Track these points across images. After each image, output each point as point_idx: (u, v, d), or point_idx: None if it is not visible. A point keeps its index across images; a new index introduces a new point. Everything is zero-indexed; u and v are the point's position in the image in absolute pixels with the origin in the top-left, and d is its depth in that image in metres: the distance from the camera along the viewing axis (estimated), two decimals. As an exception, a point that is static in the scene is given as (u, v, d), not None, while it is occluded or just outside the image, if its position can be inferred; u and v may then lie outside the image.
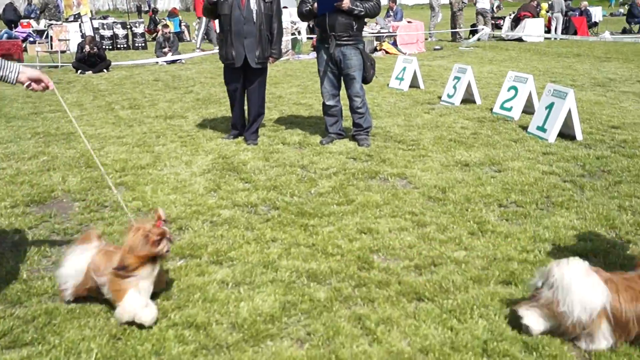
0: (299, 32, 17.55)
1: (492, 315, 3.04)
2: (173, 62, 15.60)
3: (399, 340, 2.85)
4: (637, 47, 16.47)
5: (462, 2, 20.02)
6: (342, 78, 6.60)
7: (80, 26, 20.48)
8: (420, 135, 6.93)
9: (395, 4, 20.48)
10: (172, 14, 25.16)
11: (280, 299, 3.20)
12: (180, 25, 23.79)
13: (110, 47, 21.06)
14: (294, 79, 12.00)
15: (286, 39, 16.62)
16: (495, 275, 3.46)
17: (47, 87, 3.10)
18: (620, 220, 4.22)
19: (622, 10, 27.82)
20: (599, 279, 2.69)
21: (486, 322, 2.98)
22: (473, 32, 20.50)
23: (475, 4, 21.18)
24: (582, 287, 2.65)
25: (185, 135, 7.13)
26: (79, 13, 21.46)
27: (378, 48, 17.11)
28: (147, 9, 46.81)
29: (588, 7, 23.50)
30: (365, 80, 6.60)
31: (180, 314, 3.05)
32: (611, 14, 36.09)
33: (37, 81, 3.06)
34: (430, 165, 5.74)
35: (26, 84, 3.02)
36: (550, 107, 6.52)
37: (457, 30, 20.12)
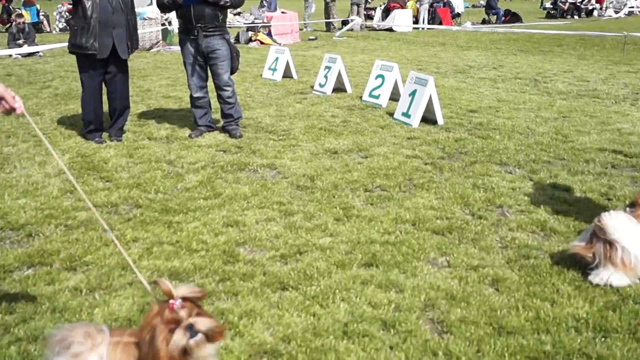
0: (170, 23, 16.99)
1: (354, 297, 3.10)
2: (30, 54, 14.53)
3: (262, 332, 2.83)
4: (494, 36, 17.61)
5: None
6: (209, 69, 6.48)
7: None
8: (292, 125, 6.95)
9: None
10: (29, 2, 23.42)
11: (138, 302, 3.07)
12: (38, 15, 22.23)
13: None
14: (164, 71, 11.61)
15: (156, 29, 16.06)
16: (358, 259, 3.54)
17: (12, 110, 2.14)
18: (473, 197, 4.46)
19: (482, 2, 29.57)
20: None
21: (347, 305, 3.04)
22: (345, 23, 20.94)
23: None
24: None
25: (42, 133, 6.67)
26: None
27: (253, 38, 16.98)
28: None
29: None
30: (232, 70, 6.52)
31: (25, 328, 2.84)
32: (473, 6, 38.27)
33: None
34: (300, 154, 5.77)
35: None
36: (413, 94, 6.78)
37: (331, 20, 20.45)
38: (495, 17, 23.46)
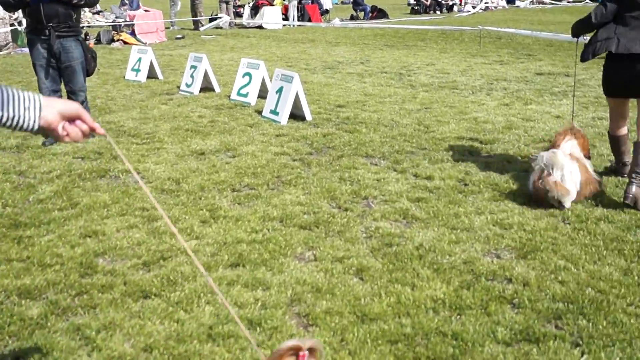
0: (20, 23, 15.83)
1: (219, 300, 3.02)
2: None
3: (122, 344, 2.68)
4: (361, 32, 18.10)
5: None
6: (62, 72, 6.09)
7: None
8: (156, 127, 6.71)
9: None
10: None
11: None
12: None
13: None
14: (14, 75, 10.82)
15: (4, 30, 14.91)
16: (225, 260, 3.46)
17: (92, 132, 1.66)
18: (340, 191, 4.53)
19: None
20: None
21: (213, 307, 2.96)
22: (213, 20, 20.64)
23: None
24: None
25: None
26: None
27: (115, 38, 16.26)
28: None
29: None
30: (88, 72, 6.19)
31: None
32: (342, 2, 39.24)
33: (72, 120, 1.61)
34: (165, 157, 5.57)
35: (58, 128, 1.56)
36: (280, 91, 6.77)
37: (198, 18, 20.06)
38: (362, 13, 24.17)
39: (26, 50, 14.62)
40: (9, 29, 14.97)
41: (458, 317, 2.84)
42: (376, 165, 5.19)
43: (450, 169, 4.96)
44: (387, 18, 23.79)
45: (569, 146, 4.25)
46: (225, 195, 4.57)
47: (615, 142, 4.60)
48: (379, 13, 24.17)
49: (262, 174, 5.00)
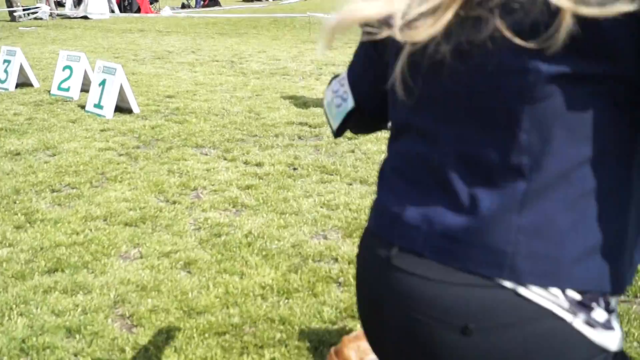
0: None
1: (34, 309, 2.82)
2: None
3: None
4: (192, 20, 17.71)
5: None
6: None
7: None
8: (-36, 128, 6.08)
9: None
10: None
11: None
12: None
13: None
14: None
15: None
16: (41, 266, 3.23)
17: None
18: (168, 183, 4.42)
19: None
20: None
21: (26, 319, 2.75)
22: (31, 11, 19.08)
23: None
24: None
25: None
26: None
27: None
28: None
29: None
30: None
31: None
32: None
33: None
34: (-27, 160, 5.07)
35: None
36: (103, 83, 6.43)
37: (14, 9, 18.40)
38: (194, 1, 23.66)
39: None
40: None
41: (286, 301, 2.89)
42: (206, 155, 5.13)
43: (280, 154, 5.04)
44: (220, 6, 23.53)
45: None
46: (44, 197, 4.26)
47: None
48: (210, 1, 23.83)
49: (85, 172, 4.74)
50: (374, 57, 1.07)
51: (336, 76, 1.20)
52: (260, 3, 26.04)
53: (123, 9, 20.29)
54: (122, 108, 6.55)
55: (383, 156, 0.97)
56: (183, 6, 23.51)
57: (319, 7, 22.59)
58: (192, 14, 19.87)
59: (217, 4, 23.67)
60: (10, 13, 18.56)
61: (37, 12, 18.09)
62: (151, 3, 21.94)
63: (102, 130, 5.91)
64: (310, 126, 5.88)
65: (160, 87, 7.91)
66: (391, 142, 1.02)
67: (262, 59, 10.21)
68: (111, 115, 6.37)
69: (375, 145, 5.15)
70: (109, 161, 4.99)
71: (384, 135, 5.42)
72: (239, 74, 8.75)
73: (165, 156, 5.08)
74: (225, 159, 5.00)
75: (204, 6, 23.27)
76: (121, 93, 6.43)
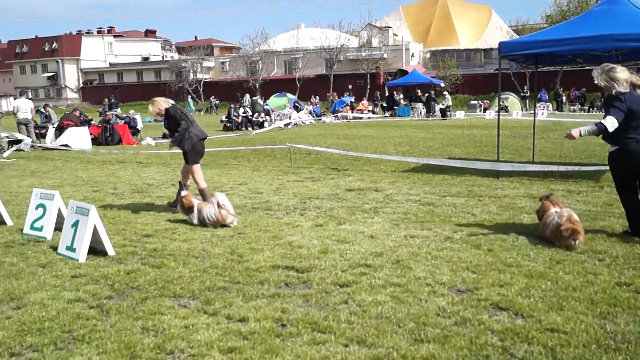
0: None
1: None
2: None
3: None
4: (174, 150, 17.67)
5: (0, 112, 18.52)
6: None
7: None
8: None
9: None
10: None
11: None
12: None
13: None
14: None
15: None
16: None
17: None
18: (141, 345, 3.96)
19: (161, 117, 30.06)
20: None
21: None
22: (13, 143, 19.08)
23: (15, 114, 19.81)
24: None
25: None
26: None
27: None
28: None
29: (135, 116, 24.60)
30: None
31: None
32: (155, 120, 38.91)
33: None
34: None
35: None
36: (75, 224, 6.10)
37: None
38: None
39: None
40: None
41: None
42: (185, 307, 4.70)
43: (266, 306, 4.63)
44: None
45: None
46: (0, 364, 3.77)
47: None
48: (192, 131, 24.16)
49: (50, 330, 4.27)
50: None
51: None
52: (240, 132, 26.50)
53: (104, 140, 20.40)
54: (96, 250, 6.18)
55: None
56: (164, 136, 23.75)
57: (298, 135, 23.09)
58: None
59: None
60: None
61: (21, 145, 18.06)
62: (133, 135, 22.17)
63: (73, 277, 5.49)
64: (297, 270, 5.52)
65: (138, 224, 7.58)
66: None
67: (243, 191, 10.02)
68: (84, 258, 5.98)
69: (370, 295, 4.79)
70: (77, 316, 4.53)
71: (379, 283, 5.09)
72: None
73: (140, 309, 4.65)
74: (205, 312, 4.57)
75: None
76: (95, 234, 6.09)
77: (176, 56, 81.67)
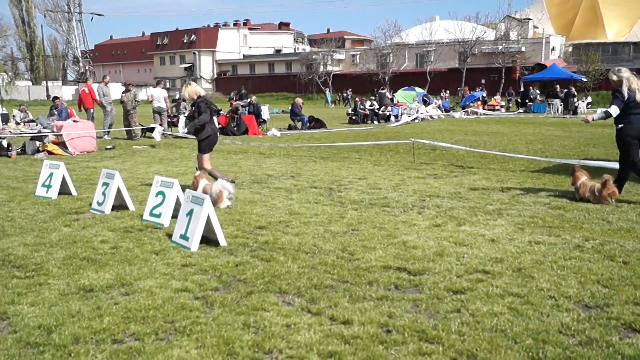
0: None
1: None
2: None
3: None
4: (297, 142, 17.84)
5: (135, 101, 19.65)
6: None
7: None
8: (48, 256, 5.88)
9: (61, 101, 19.18)
10: None
11: None
12: None
13: None
14: None
15: None
16: None
17: None
18: (240, 342, 3.78)
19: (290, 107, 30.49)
20: None
21: None
22: (147, 130, 20.20)
23: (152, 102, 21.02)
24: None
25: None
26: None
27: (41, 149, 15.52)
28: None
29: (257, 103, 25.17)
30: None
31: None
32: (282, 111, 39.80)
33: None
34: (45, 296, 4.74)
35: None
36: (190, 214, 6.12)
37: (132, 128, 19.58)
38: (300, 123, 24.19)
39: None
40: None
41: None
42: (289, 304, 4.48)
43: (373, 309, 4.29)
44: (325, 128, 23.88)
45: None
46: (102, 350, 3.76)
47: None
48: (316, 123, 24.27)
49: (154, 319, 4.22)
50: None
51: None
52: (365, 125, 26.24)
53: (231, 130, 20.99)
54: (209, 239, 6.16)
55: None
56: (289, 127, 24.13)
57: (425, 130, 22.41)
58: (299, 134, 20.14)
59: (322, 125, 24.07)
60: (128, 132, 19.74)
61: (156, 133, 19.06)
62: (259, 125, 22.65)
63: (183, 266, 5.48)
64: (409, 272, 5.13)
65: (252, 215, 7.53)
66: None
67: (362, 186, 9.71)
68: (196, 248, 5.97)
69: (485, 305, 4.30)
70: (181, 306, 4.46)
71: (496, 292, 4.58)
72: (336, 204, 8.24)
73: (244, 303, 4.49)
74: (309, 311, 4.32)
75: (309, 128, 23.73)
76: (208, 224, 6.07)
77: (308, 48, 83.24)
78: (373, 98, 31.91)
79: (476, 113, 34.80)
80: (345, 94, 55.96)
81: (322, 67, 67.30)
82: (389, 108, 30.13)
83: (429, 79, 57.35)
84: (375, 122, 27.92)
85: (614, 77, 8.23)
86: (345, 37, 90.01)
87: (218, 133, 9.39)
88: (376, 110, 29.30)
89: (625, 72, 8.23)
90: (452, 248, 5.85)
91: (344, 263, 5.45)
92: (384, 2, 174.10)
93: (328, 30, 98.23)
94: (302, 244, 6.15)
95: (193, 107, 9.35)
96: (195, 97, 9.18)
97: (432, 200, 8.38)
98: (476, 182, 9.88)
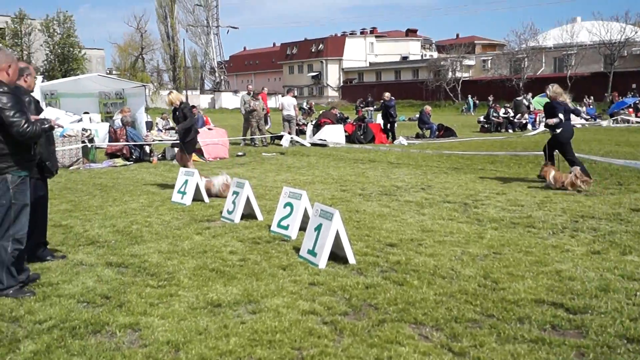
0: (91, 140, 16.11)
1: None
2: None
3: None
4: (426, 151, 17.15)
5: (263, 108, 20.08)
6: None
7: None
8: (180, 265, 5.85)
9: (197, 109, 19.97)
10: None
11: None
12: None
13: None
14: (70, 193, 10.56)
15: (75, 146, 15.21)
16: None
17: None
18: (373, 384, 3.37)
19: (417, 115, 29.72)
20: None
21: None
22: (276, 138, 20.47)
23: (281, 111, 21.36)
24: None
25: None
26: None
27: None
28: None
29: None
30: None
31: None
32: (409, 119, 39.04)
33: None
34: (175, 308, 4.64)
35: None
36: (318, 228, 5.82)
37: (262, 136, 19.94)
38: (429, 131, 23.41)
39: (94, 165, 14.86)
40: (80, 145, 15.28)
41: None
42: (427, 339, 4.00)
43: (527, 355, 3.69)
44: (455, 137, 22.92)
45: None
46: (227, 378, 3.51)
47: None
48: (446, 131, 23.39)
49: (280, 344, 3.93)
50: None
51: None
52: (499, 134, 24.88)
53: (357, 138, 20.72)
54: (337, 256, 5.83)
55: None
56: (417, 136, 23.47)
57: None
58: (423, 150, 19.49)
59: (452, 134, 23.17)
60: (252, 140, 20.07)
61: (284, 140, 19.29)
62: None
63: (310, 284, 5.18)
64: (568, 310, 4.43)
65: (382, 231, 7.11)
66: None
67: (501, 202, 8.93)
68: (324, 265, 5.66)
69: (673, 361, 3.55)
70: (309, 331, 4.14)
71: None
72: (473, 221, 7.60)
73: (376, 333, 4.08)
74: (450, 349, 3.82)
75: (438, 136, 22.92)
76: (337, 240, 5.73)
77: (435, 55, 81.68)
78: (508, 105, 30.33)
79: (628, 121, 31.77)
80: (474, 101, 53.97)
81: (450, 73, 65.56)
82: (525, 116, 28.45)
83: (569, 84, 53.69)
84: (510, 131, 26.44)
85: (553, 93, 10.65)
86: (475, 42, 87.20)
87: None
88: (511, 118, 27.77)
89: (559, 88, 10.70)
90: (619, 282, 5.02)
91: (487, 293, 4.86)
92: (518, 5, 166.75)
93: (457, 35, 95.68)
94: (438, 266, 5.62)
95: (177, 113, 10.46)
96: (178, 103, 10.34)
97: (587, 221, 7.43)
98: (639, 202, 8.72)
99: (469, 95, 56.30)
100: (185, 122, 10.33)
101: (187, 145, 10.59)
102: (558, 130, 10.31)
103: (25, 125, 4.86)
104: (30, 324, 4.36)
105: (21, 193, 5.03)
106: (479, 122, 28.84)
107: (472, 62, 71.37)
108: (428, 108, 24.67)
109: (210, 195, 9.63)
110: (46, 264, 5.93)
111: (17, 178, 4.98)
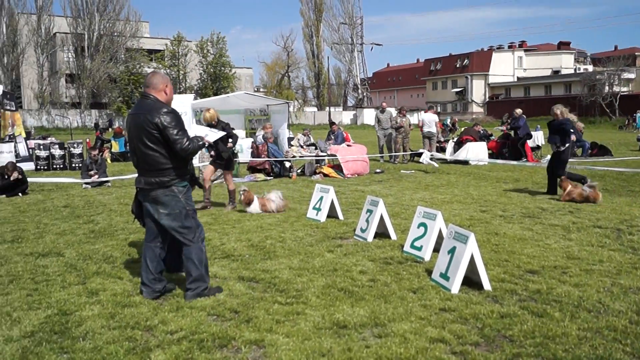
0: (235, 155, 16.92)
1: None
2: (100, 184, 14.84)
3: None
4: (576, 172, 15.97)
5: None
6: None
7: (15, 146, 19.77)
8: (309, 282, 5.89)
9: (337, 126, 20.30)
10: (118, 134, 24.58)
11: None
12: (125, 145, 23.12)
13: (46, 167, 20.29)
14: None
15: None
16: None
17: None
18: None
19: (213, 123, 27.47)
20: None
21: None
22: (415, 155, 20.18)
23: (421, 127, 21.10)
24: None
25: (43, 279, 6.05)
26: (14, 133, 20.79)
27: (317, 171, 16.50)
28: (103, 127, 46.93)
29: (535, 132, 23.51)
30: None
31: None
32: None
33: None
34: (300, 327, 4.66)
35: None
36: (452, 251, 5.60)
37: (401, 153, 19.80)
38: (580, 149, 21.82)
39: (237, 180, 15.58)
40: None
41: None
42: (567, 380, 3.67)
43: (685, 407, 3.26)
44: (611, 155, 21.18)
45: None
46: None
47: None
48: (599, 150, 21.68)
49: (405, 374, 3.80)
50: None
51: None
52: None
53: (502, 155, 19.85)
54: (471, 280, 5.57)
55: None
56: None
57: None
58: (573, 165, 18.21)
59: (607, 153, 21.44)
60: (392, 156, 19.88)
61: (423, 157, 19.00)
62: (533, 150, 21.04)
63: (441, 310, 4.98)
64: None
65: (523, 256, 6.69)
66: None
67: (660, 229, 8.07)
68: (457, 290, 5.42)
69: None
70: (436, 361, 3.96)
71: None
72: (627, 249, 6.92)
73: (509, 370, 3.81)
74: (593, 394, 3.46)
75: (591, 155, 21.32)
76: (471, 264, 5.47)
77: (590, 68, 76.62)
78: None
79: None
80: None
81: (607, 87, 61.05)
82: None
83: None
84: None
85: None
86: (636, 53, 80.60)
87: None
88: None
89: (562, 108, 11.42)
90: None
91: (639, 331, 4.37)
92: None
93: (615, 47, 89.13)
94: (584, 298, 5.16)
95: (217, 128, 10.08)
96: (216, 120, 10.34)
97: None
98: None
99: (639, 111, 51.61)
100: (232, 139, 10.49)
101: (231, 162, 10.90)
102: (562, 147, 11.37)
103: (187, 143, 5.24)
104: (162, 334, 4.56)
105: (189, 199, 5.51)
106: (638, 139, 26.47)
107: (632, 76, 66.00)
108: (580, 125, 23.03)
109: (266, 211, 10.12)
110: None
111: (182, 188, 5.41)
